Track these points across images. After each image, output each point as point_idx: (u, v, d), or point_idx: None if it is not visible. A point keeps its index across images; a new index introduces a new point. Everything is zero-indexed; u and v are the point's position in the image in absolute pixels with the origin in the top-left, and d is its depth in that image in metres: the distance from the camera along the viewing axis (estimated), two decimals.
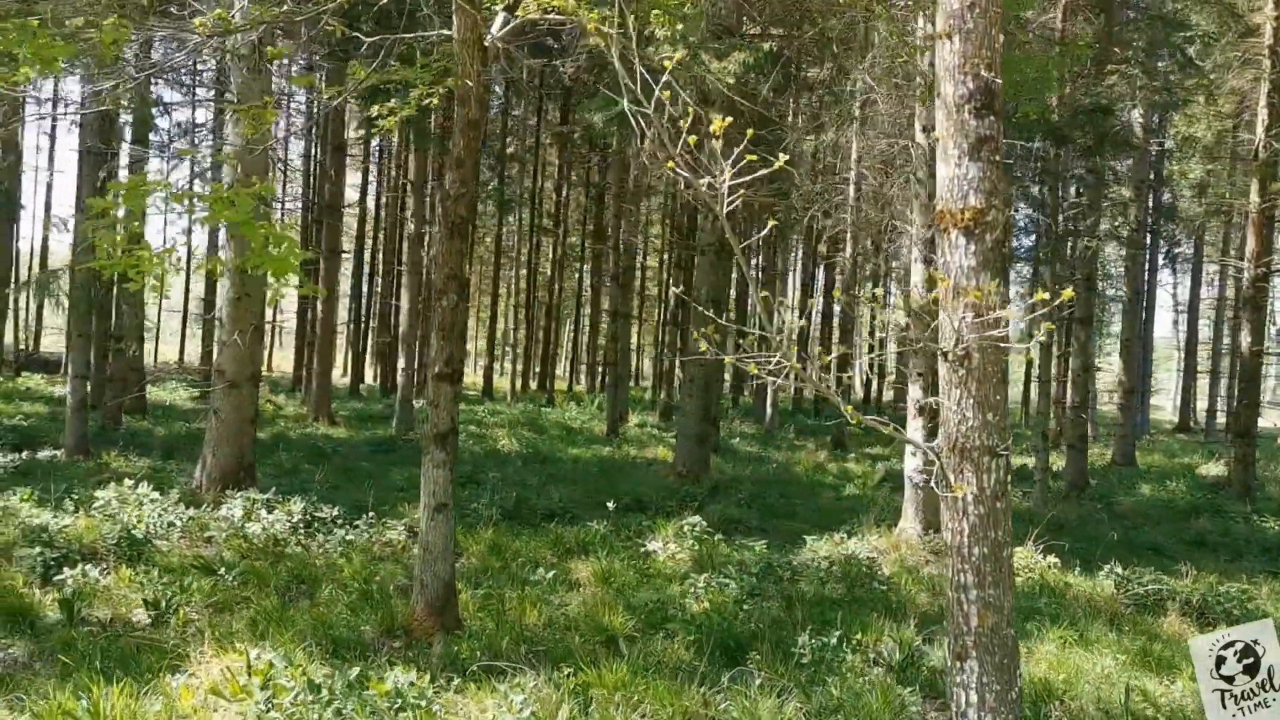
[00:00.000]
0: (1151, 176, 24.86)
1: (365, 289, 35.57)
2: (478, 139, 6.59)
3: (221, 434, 10.66)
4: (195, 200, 4.66)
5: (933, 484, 11.20)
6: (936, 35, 3.46)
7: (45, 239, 32.56)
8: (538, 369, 38.94)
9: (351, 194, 34.03)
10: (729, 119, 3.53)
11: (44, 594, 7.58)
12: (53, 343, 44.64)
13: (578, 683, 5.67)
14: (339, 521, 10.01)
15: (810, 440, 25.01)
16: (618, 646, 6.71)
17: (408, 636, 6.60)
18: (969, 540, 3.46)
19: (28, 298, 35.27)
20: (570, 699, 5.36)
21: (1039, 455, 14.25)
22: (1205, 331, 39.89)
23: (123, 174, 18.60)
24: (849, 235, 24.72)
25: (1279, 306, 36.50)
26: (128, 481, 10.30)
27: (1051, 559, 10.26)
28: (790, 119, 18.88)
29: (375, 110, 8.77)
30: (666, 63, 4.24)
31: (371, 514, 10.24)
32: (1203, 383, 40.06)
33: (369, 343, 38.39)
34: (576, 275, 44.10)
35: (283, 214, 30.17)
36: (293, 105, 33.48)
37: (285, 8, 5.67)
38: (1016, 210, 19.76)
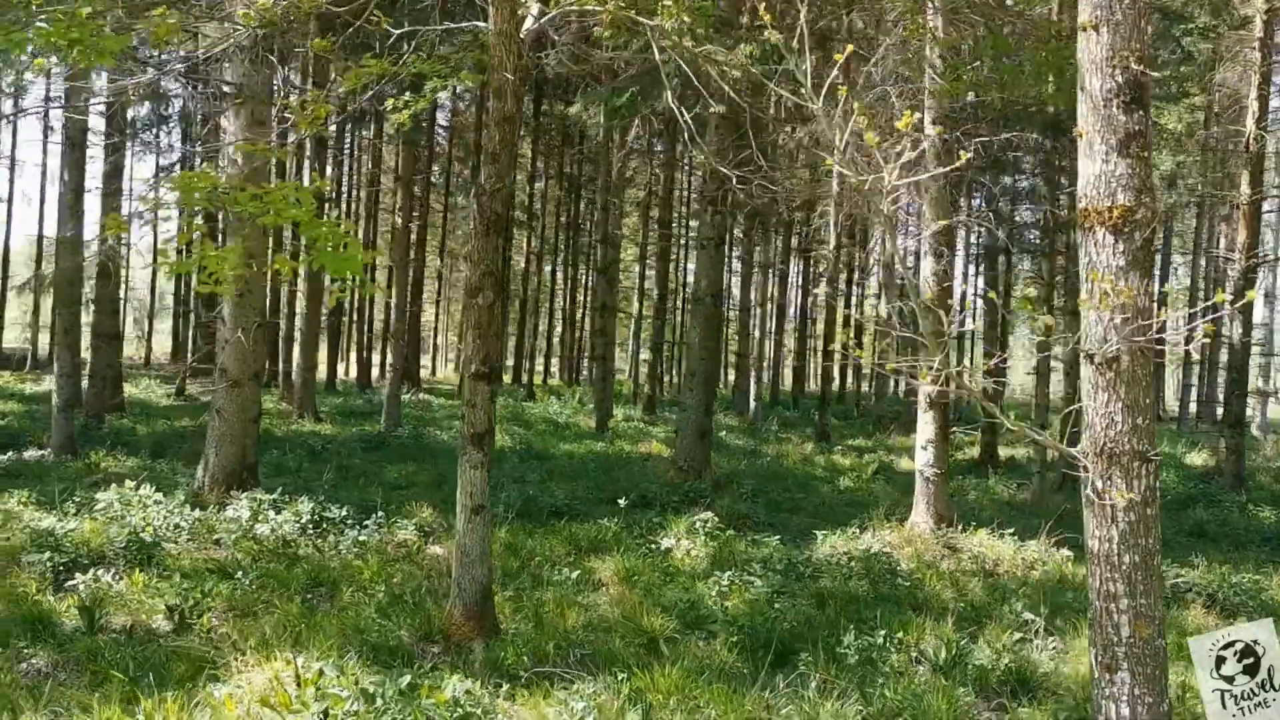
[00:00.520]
0: None
1: (338, 283, 35.06)
2: (514, 133, 6.45)
3: (224, 433, 10.42)
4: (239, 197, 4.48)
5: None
6: (1080, 27, 3.37)
7: (41, 236, 31.64)
8: (511, 362, 38.67)
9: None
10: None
11: (58, 600, 7.36)
12: (14, 338, 43.74)
13: (631, 688, 5.57)
14: (348, 522, 9.82)
15: (793, 433, 25.05)
16: (658, 648, 6.62)
17: (446, 641, 6.47)
18: (1119, 548, 3.37)
19: None
20: (630, 706, 5.26)
21: (1039, 448, 14.30)
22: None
23: (109, 172, 18.14)
24: (832, 228, 24.74)
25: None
26: (129, 483, 10.03)
27: (1065, 552, 10.29)
28: (773, 111, 18.81)
29: (390, 104, 8.57)
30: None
31: (380, 514, 10.06)
32: (1166, 373, 40.67)
33: (343, 338, 37.94)
34: (550, 268, 43.90)
35: None
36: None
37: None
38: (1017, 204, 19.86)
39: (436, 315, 50.28)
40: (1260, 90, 14.96)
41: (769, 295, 29.40)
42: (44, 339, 37.74)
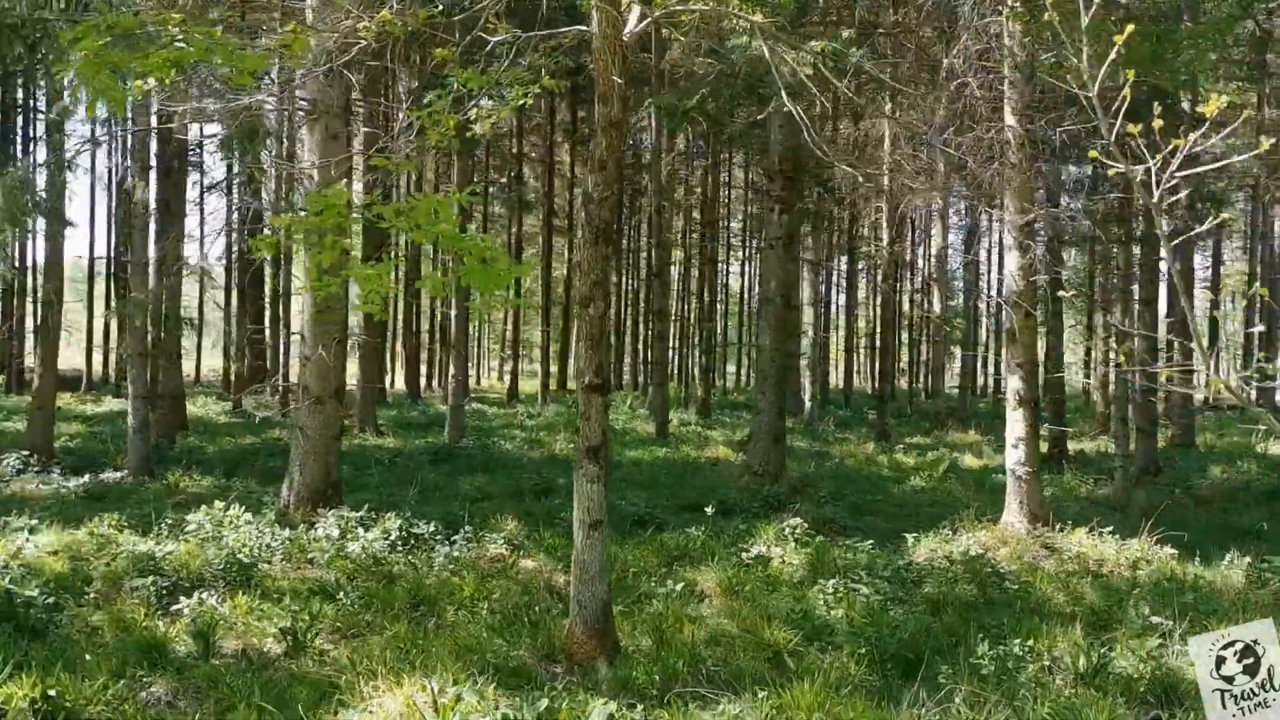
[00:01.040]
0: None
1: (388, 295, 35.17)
2: (620, 139, 6.32)
3: (308, 451, 10.38)
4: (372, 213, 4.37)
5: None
6: None
7: (116, 259, 31.81)
8: (554, 369, 38.71)
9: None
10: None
11: (167, 625, 7.31)
12: (66, 360, 44.31)
13: (771, 705, 5.40)
14: (437, 537, 9.75)
15: (850, 432, 24.75)
16: (782, 662, 6.45)
17: (569, 660, 6.34)
18: None
19: (35, 314, 34.93)
20: None
21: (1120, 442, 13.97)
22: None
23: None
24: (884, 224, 24.44)
25: None
26: (218, 504, 10.02)
27: (1168, 550, 10.00)
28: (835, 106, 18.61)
29: (475, 113, 8.48)
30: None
31: (468, 528, 9.96)
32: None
33: (392, 349, 38.15)
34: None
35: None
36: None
37: (439, 8, 5.40)
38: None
39: (477, 325, 50.43)
40: None
41: (819, 294, 29.14)
42: (96, 358, 38.25)
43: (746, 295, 48.10)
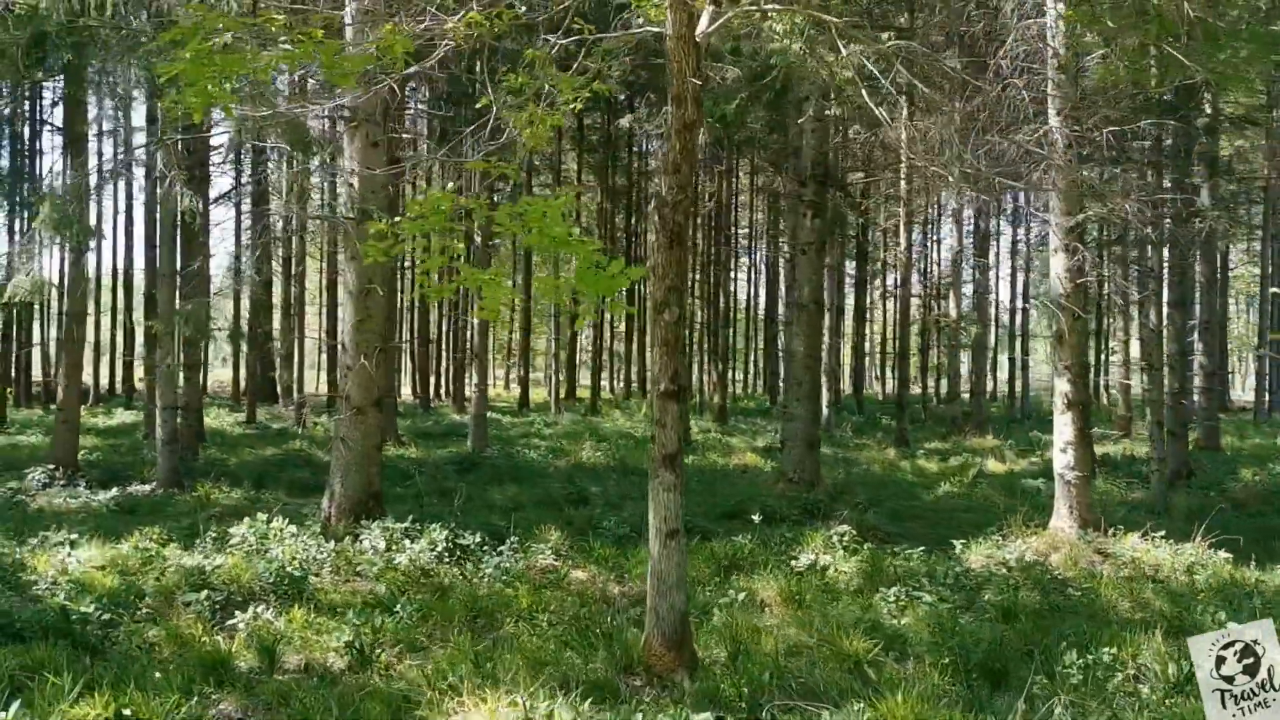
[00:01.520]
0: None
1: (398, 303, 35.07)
2: (694, 141, 6.20)
3: (350, 462, 10.25)
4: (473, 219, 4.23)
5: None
6: None
7: (146, 269, 31.58)
8: (562, 377, 38.59)
9: None
10: None
11: (225, 639, 7.18)
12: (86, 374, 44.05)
13: None
14: (484, 548, 9.62)
15: (867, 438, 24.63)
16: (863, 672, 6.33)
17: (648, 673, 6.20)
18: None
19: (44, 327, 34.75)
20: None
21: (1156, 445, 13.87)
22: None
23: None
24: (902, 228, 24.37)
25: None
26: (261, 516, 9.89)
27: (1222, 554, 9.88)
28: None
29: (526, 117, 8.37)
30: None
31: (514, 538, 9.83)
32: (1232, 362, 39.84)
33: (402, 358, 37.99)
34: None
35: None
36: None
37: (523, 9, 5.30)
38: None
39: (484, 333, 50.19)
40: None
41: (832, 298, 29.06)
42: (103, 370, 38.03)
43: (751, 301, 48.11)
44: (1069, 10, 9.53)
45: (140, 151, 13.51)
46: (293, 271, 27.21)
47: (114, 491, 13.27)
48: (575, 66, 6.40)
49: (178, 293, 13.08)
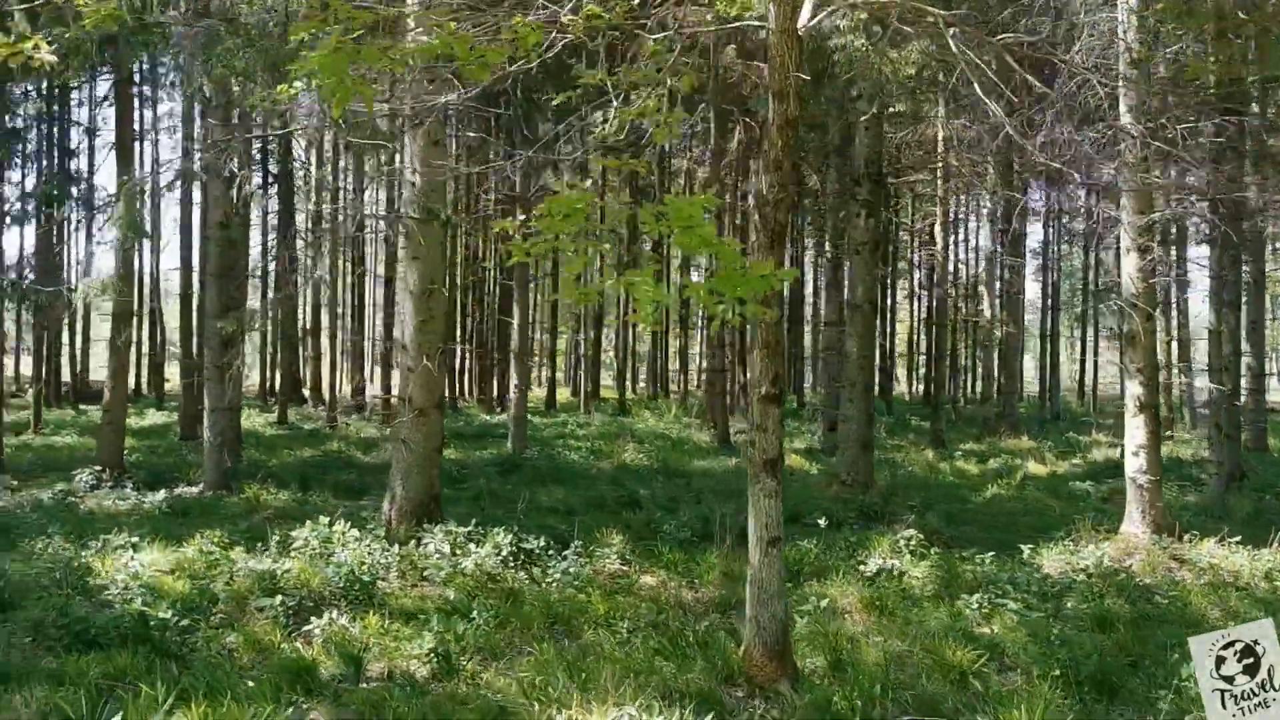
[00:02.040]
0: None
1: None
2: (794, 137, 6.04)
3: (411, 464, 10.11)
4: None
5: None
6: None
7: (202, 268, 31.53)
8: (583, 376, 38.49)
9: None
10: None
11: (305, 646, 7.06)
12: (100, 374, 44.18)
13: None
14: (549, 553, 9.48)
15: (900, 438, 24.39)
16: (968, 684, 6.16)
17: (749, 684, 6.04)
18: None
19: (72, 327, 34.78)
20: None
21: (1215, 448, 13.63)
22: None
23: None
24: (938, 229, 24.16)
25: None
26: (323, 520, 9.77)
27: None
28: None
29: (601, 115, 8.24)
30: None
31: (579, 543, 9.68)
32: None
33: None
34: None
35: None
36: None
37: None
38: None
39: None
40: None
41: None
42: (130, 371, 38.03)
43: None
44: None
45: (194, 151, 13.35)
46: (324, 273, 27.11)
47: (162, 493, 13.15)
48: (673, 61, 6.23)
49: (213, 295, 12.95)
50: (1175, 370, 23.72)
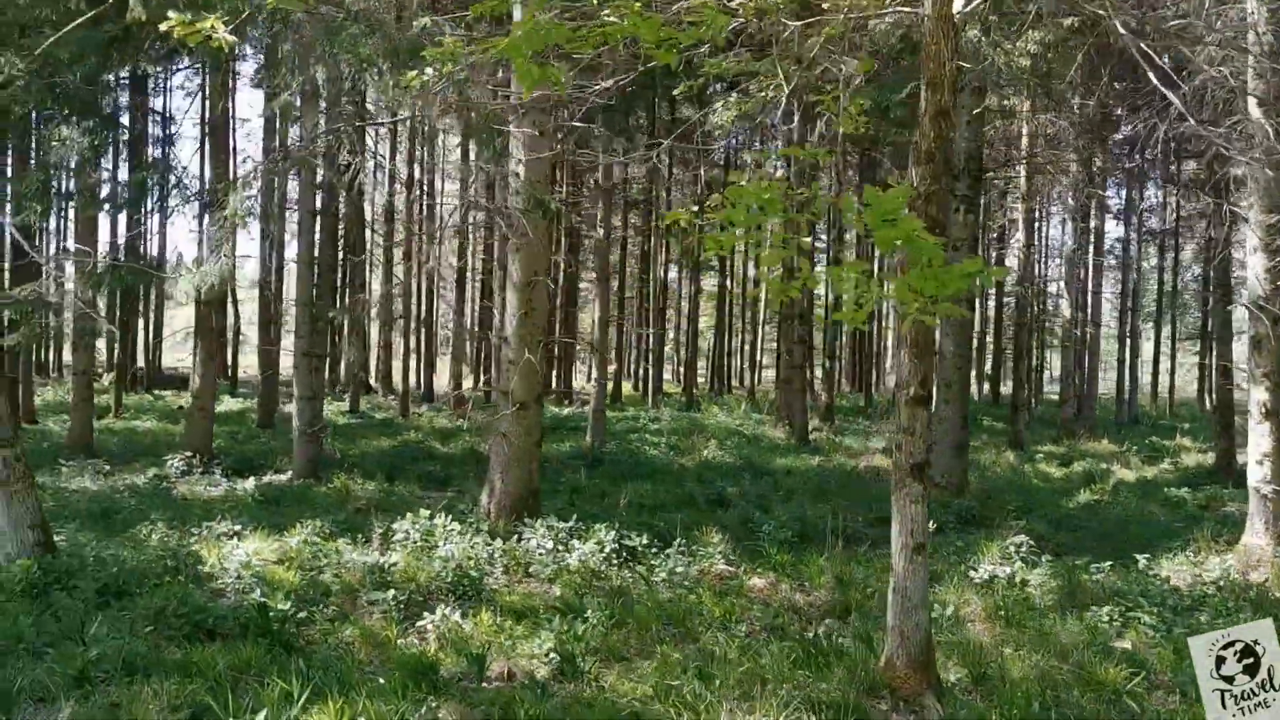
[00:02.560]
0: None
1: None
2: (949, 128, 5.77)
3: (512, 458, 10.00)
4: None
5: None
6: None
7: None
8: (644, 371, 38.36)
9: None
10: None
11: (419, 641, 6.96)
12: (180, 359, 45.00)
13: None
14: (651, 550, 9.31)
15: (975, 439, 23.85)
16: (1123, 704, 5.87)
17: (893, 696, 5.81)
18: None
19: (145, 316, 35.32)
20: None
21: None
22: None
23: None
24: (1020, 222, 23.59)
25: None
26: (424, 512, 9.70)
27: None
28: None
29: (720, 104, 8.01)
30: None
31: (681, 542, 9.50)
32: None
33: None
34: (676, 273, 43.26)
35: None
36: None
37: None
38: None
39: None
40: None
41: None
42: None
43: (827, 299, 47.14)
44: None
45: (293, 139, 13.35)
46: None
47: (251, 481, 13.23)
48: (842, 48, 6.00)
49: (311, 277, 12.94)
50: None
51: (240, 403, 27.84)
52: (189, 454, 14.21)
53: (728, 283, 37.70)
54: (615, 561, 9.13)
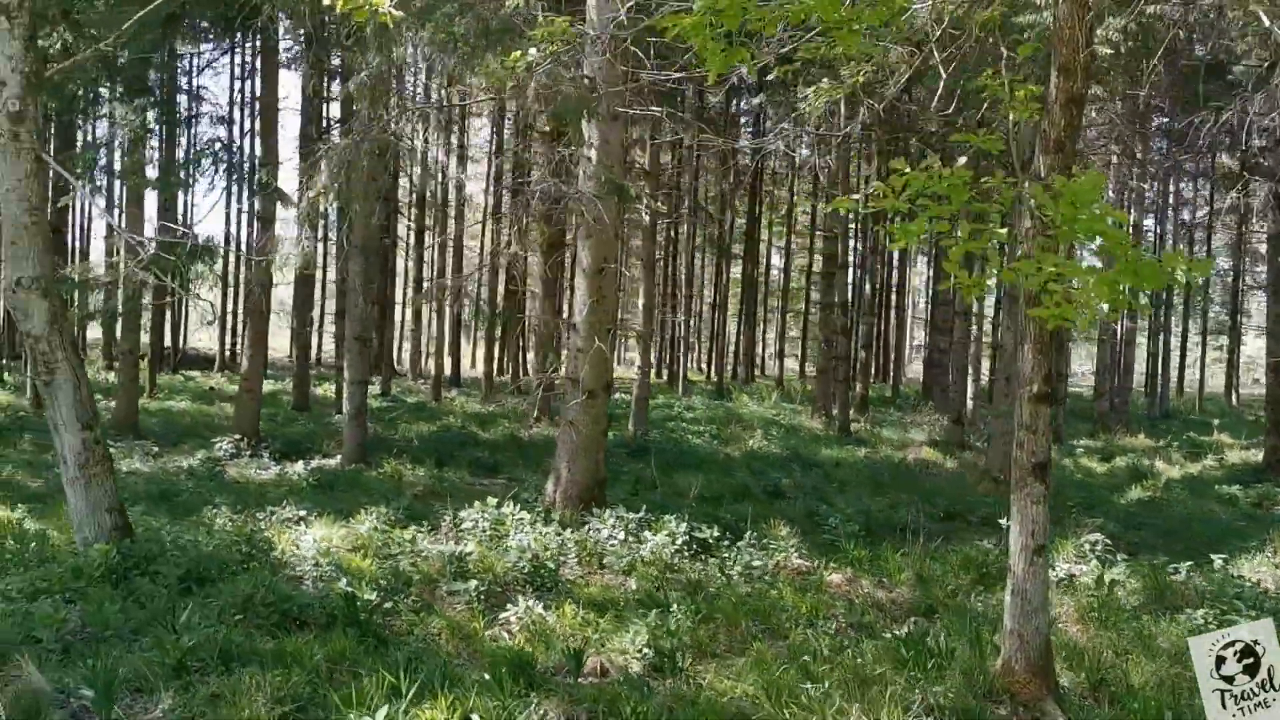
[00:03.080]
0: None
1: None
2: (1080, 116, 5.57)
3: (578, 447, 9.87)
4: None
5: None
6: None
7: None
8: (669, 359, 38.22)
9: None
10: None
11: (505, 633, 6.84)
12: (198, 339, 45.03)
13: None
14: (722, 543, 9.17)
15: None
16: None
17: (1012, 701, 5.66)
18: None
19: (176, 291, 35.30)
20: None
21: None
22: None
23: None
24: None
25: None
26: (491, 500, 9.57)
27: None
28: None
29: (813, 90, 7.83)
30: None
31: (752, 534, 9.36)
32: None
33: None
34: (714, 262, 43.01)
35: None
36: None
37: None
38: None
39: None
40: None
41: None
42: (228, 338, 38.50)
43: (856, 288, 46.78)
44: None
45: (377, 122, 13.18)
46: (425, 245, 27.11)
47: (300, 465, 13.13)
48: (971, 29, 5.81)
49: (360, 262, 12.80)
50: None
51: (271, 384, 27.76)
52: (236, 436, 14.12)
53: (754, 270, 37.44)
54: (687, 554, 8.99)
